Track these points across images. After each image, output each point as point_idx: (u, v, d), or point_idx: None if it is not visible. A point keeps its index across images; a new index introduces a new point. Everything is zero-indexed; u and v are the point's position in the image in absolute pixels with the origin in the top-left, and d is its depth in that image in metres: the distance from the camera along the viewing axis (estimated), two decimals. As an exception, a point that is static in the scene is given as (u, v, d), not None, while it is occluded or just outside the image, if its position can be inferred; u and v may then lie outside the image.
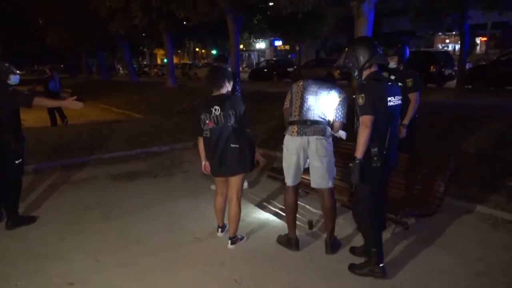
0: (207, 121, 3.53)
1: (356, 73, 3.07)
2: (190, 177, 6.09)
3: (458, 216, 4.30)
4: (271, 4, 18.49)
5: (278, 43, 42.59)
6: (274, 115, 9.88)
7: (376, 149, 2.93)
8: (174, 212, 4.73)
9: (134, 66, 35.50)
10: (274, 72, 26.38)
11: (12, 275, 3.44)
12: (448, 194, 4.10)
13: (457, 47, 25.48)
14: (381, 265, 3.13)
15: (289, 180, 3.61)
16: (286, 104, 3.65)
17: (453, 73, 16.80)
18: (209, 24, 19.18)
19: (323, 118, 3.47)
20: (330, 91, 3.48)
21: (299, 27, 22.15)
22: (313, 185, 3.58)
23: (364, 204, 3.13)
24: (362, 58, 2.99)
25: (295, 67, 26.68)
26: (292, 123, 3.51)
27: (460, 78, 15.18)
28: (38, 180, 6.06)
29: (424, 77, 16.00)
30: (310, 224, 4.11)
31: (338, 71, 22.48)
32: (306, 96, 3.48)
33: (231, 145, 3.51)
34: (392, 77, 4.06)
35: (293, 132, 3.48)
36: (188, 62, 44.38)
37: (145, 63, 54.94)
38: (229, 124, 3.49)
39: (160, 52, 50.46)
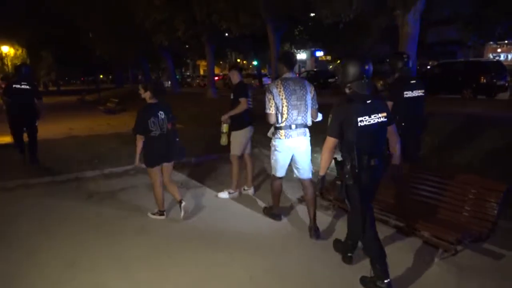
0: (159, 123, 4.47)
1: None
2: (225, 189, 6.00)
3: (513, 241, 3.92)
4: (312, 15, 18.42)
5: (319, 53, 42.22)
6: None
7: (348, 168, 3.03)
8: (207, 225, 4.66)
9: (177, 76, 36.38)
10: (315, 83, 26.01)
11: (47, 284, 3.49)
12: (502, 217, 3.75)
13: (510, 56, 24.15)
14: (386, 280, 3.08)
15: (281, 174, 4.34)
16: (271, 110, 4.08)
17: (506, 84, 15.86)
18: (250, 36, 19.33)
19: (305, 121, 4.13)
20: (305, 86, 4.14)
21: (341, 38, 21.83)
22: (303, 177, 4.26)
23: (356, 221, 3.27)
24: (347, 77, 3.09)
25: (336, 78, 26.24)
26: (280, 128, 4.11)
27: (513, 90, 14.29)
28: (80, 189, 6.22)
29: (474, 88, 15.24)
30: None
31: (381, 82, 21.91)
32: (289, 99, 4.03)
33: (176, 139, 4.65)
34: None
35: (281, 135, 4.11)
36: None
37: (188, 73, 56.29)
38: (168, 124, 4.54)
39: (203, 63, 51.48)
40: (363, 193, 3.14)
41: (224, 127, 5.46)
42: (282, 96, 4.03)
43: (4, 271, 3.74)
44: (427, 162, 6.44)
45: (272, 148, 4.28)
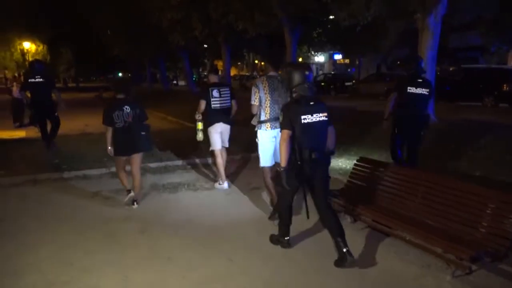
0: (124, 117, 4.89)
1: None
2: (232, 192, 5.89)
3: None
4: (331, 17, 18.16)
5: (337, 56, 41.77)
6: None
7: (293, 159, 3.55)
8: (211, 229, 4.52)
9: (194, 76, 36.47)
10: (332, 86, 25.81)
11: (43, 284, 3.41)
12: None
13: (535, 64, 23.41)
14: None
15: (268, 163, 4.73)
16: (256, 102, 4.65)
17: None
18: (267, 36, 19.17)
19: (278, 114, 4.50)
20: (279, 83, 4.62)
21: (359, 40, 21.53)
22: (276, 160, 4.68)
23: (284, 200, 3.87)
24: (292, 82, 3.66)
25: (354, 81, 25.91)
26: (265, 121, 4.60)
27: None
28: (86, 186, 6.16)
29: (495, 96, 14.77)
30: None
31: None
32: (272, 94, 4.56)
33: (141, 133, 5.01)
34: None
35: (267, 127, 4.61)
36: (246, 74, 44.90)
37: (205, 73, 56.43)
38: (135, 118, 4.95)
39: (220, 63, 51.49)
40: (299, 183, 3.72)
41: (198, 125, 6.06)
42: (266, 90, 4.61)
43: (2, 268, 3.68)
44: (442, 171, 6.19)
45: (259, 141, 4.74)
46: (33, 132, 10.54)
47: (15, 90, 13.42)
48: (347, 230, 4.35)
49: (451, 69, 18.04)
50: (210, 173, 6.87)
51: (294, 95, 3.68)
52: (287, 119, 3.55)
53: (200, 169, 7.17)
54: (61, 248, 4.08)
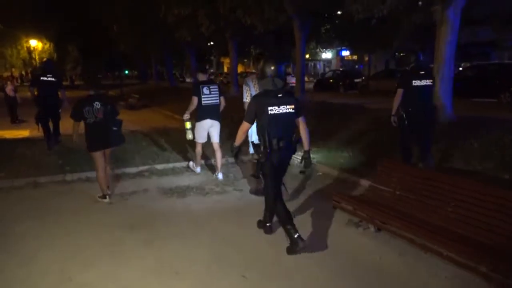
0: (94, 112, 4.97)
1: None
2: (244, 196, 5.53)
3: None
4: (339, 13, 17.65)
5: (345, 53, 41.24)
6: (350, 129, 9.13)
7: (262, 148, 3.72)
8: (222, 239, 4.17)
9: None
10: (341, 83, 25.29)
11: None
12: None
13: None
14: (295, 235, 3.68)
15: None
16: (248, 99, 4.97)
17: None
18: (275, 33, 18.76)
19: None
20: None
21: (369, 36, 21.00)
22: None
23: (269, 193, 3.91)
24: (261, 74, 3.83)
25: (363, 78, 25.37)
26: None
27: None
28: (88, 189, 5.81)
29: (511, 92, 14.26)
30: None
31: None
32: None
33: (113, 128, 5.16)
34: None
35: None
36: (253, 71, 44.54)
37: (211, 71, 56.07)
38: (106, 113, 5.05)
39: (226, 61, 51.12)
40: (275, 171, 3.82)
41: (186, 124, 6.23)
42: (256, 88, 4.81)
43: (-6, 285, 3.36)
44: (468, 173, 5.79)
45: (250, 133, 4.85)
46: (36, 131, 10.26)
47: (9, 88, 13.62)
48: (371, 241, 4.02)
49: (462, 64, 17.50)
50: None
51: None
52: (251, 112, 3.76)
53: (209, 171, 6.81)
54: (59, 259, 3.77)
